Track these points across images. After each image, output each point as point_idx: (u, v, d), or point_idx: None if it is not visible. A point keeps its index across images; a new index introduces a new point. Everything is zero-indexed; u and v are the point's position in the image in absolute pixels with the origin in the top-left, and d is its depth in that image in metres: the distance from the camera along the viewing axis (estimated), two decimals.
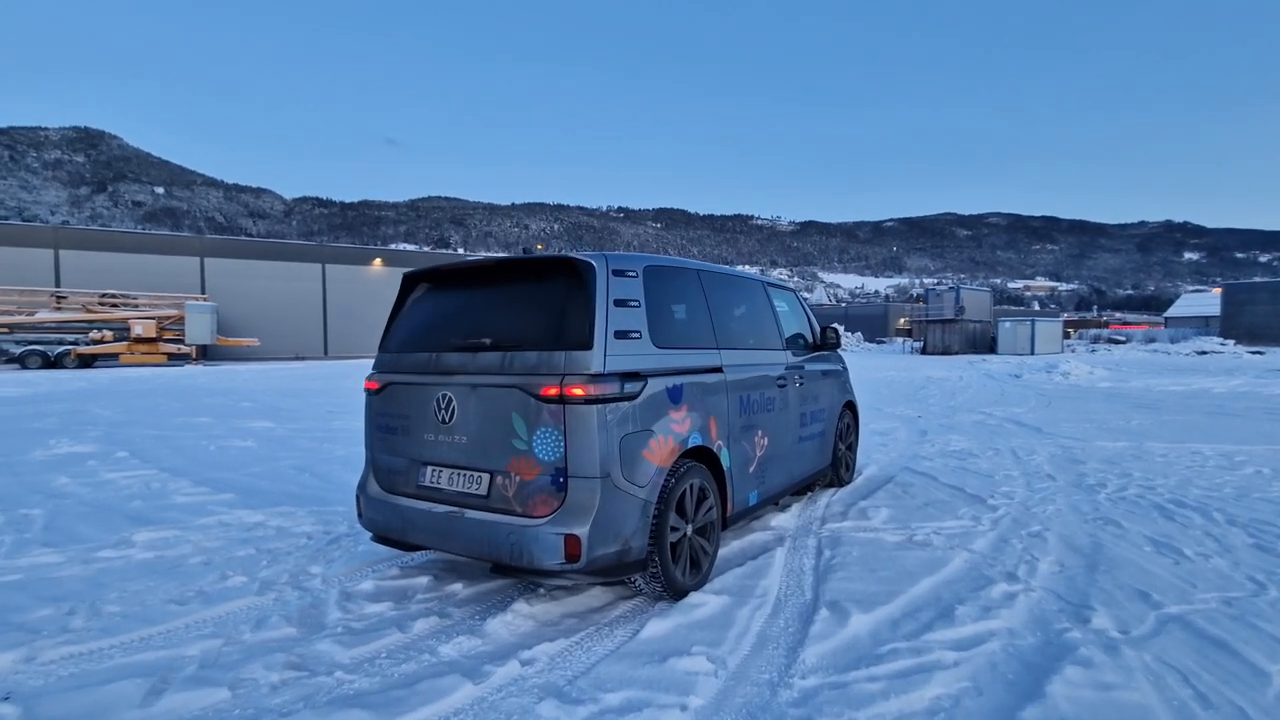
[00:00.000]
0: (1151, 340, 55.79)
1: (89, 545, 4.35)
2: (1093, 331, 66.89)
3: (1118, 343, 55.72)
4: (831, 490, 5.71)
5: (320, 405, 13.19)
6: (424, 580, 3.70)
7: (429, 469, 3.40)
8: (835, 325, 5.48)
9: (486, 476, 3.17)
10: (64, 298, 30.36)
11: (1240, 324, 57.15)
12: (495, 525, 3.04)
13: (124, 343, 28.97)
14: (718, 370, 3.83)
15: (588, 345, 3.00)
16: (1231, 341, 49.34)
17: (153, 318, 29.89)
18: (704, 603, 3.30)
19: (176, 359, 30.64)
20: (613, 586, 3.56)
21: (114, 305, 30.69)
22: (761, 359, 4.43)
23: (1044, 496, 5.46)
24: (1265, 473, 6.38)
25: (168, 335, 30.58)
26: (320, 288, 38.74)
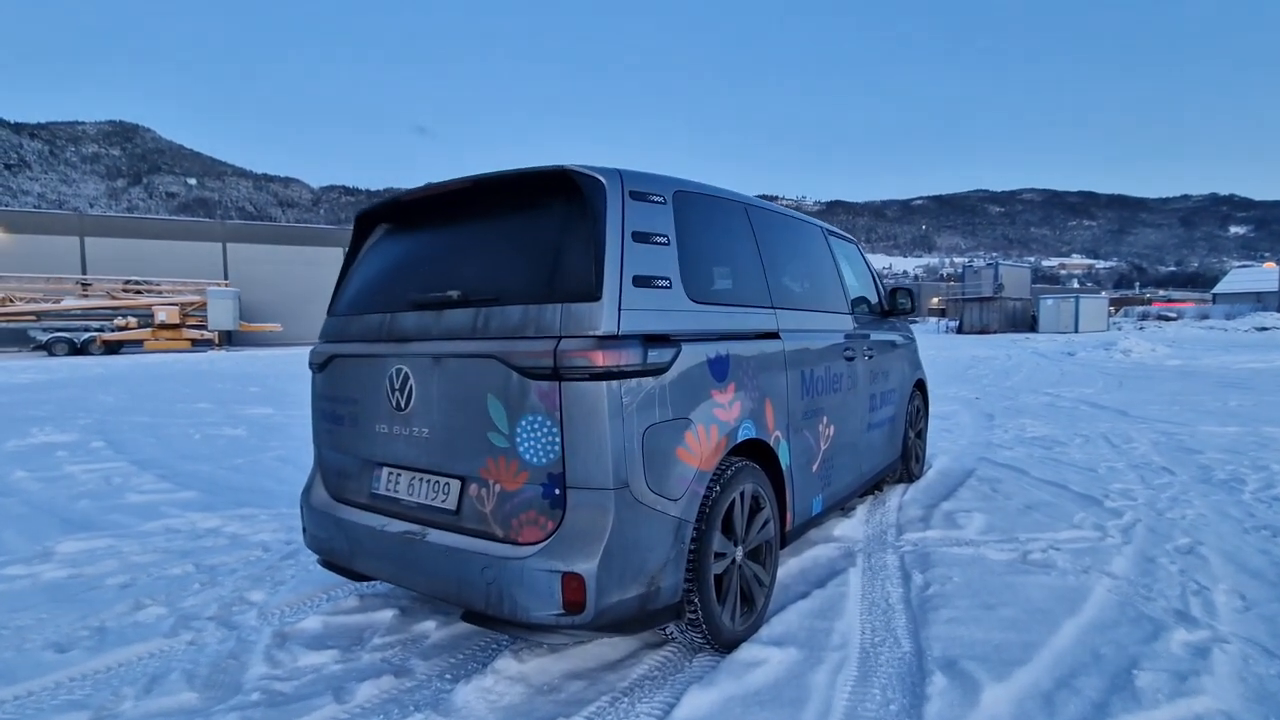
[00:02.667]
0: (1205, 317, 52.91)
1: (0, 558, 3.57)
2: (1139, 309, 63.92)
3: (1168, 319, 52.96)
4: (901, 488, 4.71)
5: None
6: (387, 616, 2.82)
7: (384, 471, 2.50)
8: (907, 286, 4.44)
9: (456, 484, 2.26)
10: (89, 285, 30.34)
11: None
12: (466, 555, 2.13)
13: (148, 329, 28.89)
14: (773, 336, 2.86)
15: (593, 295, 2.05)
16: None
17: (176, 304, 29.73)
18: (762, 659, 2.35)
19: (200, 344, 30.49)
20: None
21: (138, 292, 30.61)
22: (825, 324, 3.43)
23: (1173, 496, 4.39)
24: None
25: (191, 321, 30.44)
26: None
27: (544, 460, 2.04)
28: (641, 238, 2.24)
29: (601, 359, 1.98)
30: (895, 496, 4.50)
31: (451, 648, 2.56)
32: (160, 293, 30.91)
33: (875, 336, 4.12)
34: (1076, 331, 40.73)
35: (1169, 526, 3.78)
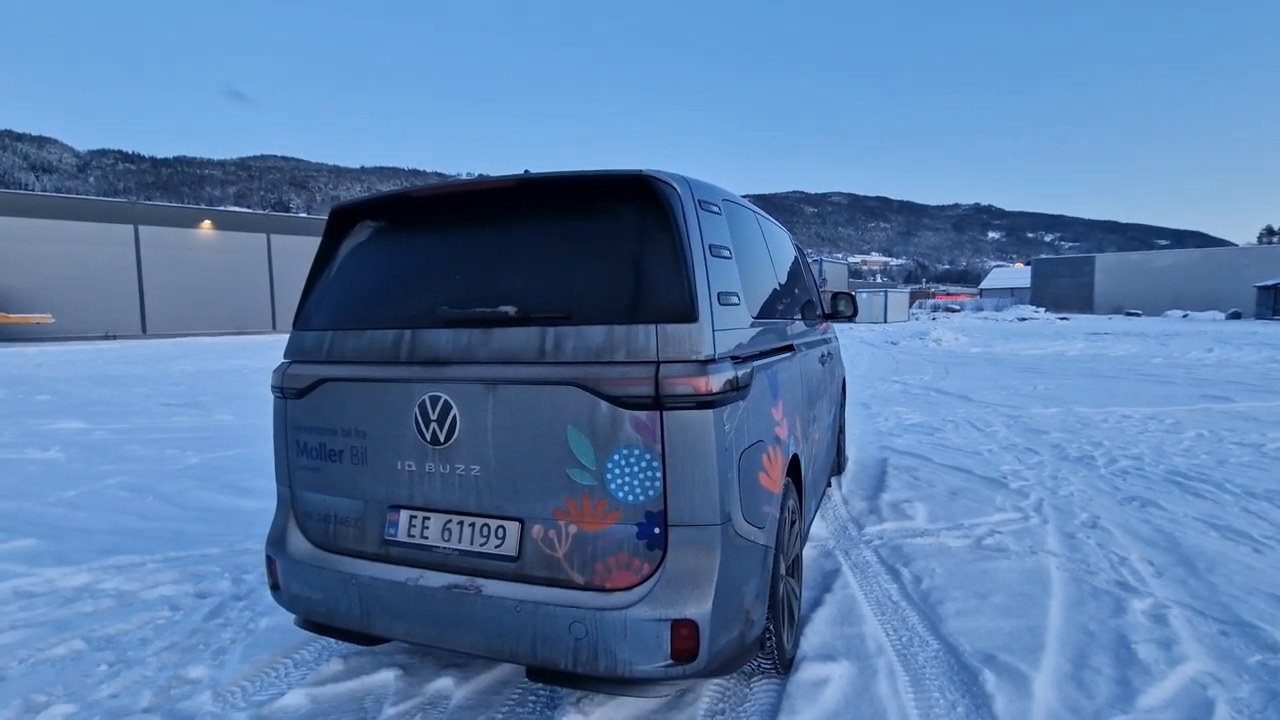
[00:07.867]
0: (980, 309, 62.45)
1: None
2: (931, 301, 73.91)
3: (953, 311, 61.82)
4: (834, 480, 4.98)
5: (149, 395, 10.64)
6: (388, 678, 2.43)
7: (404, 515, 2.13)
8: (848, 292, 4.69)
9: (515, 527, 1.98)
10: None
11: (1047, 294, 65.52)
12: (545, 608, 1.88)
13: None
14: (790, 349, 2.86)
15: (690, 315, 1.89)
16: (1042, 309, 56.35)
17: None
18: (823, 676, 2.35)
19: None
20: None
21: None
22: (810, 332, 3.52)
23: (1052, 474, 5.09)
24: (1206, 435, 6.54)
25: None
26: (134, 253, 32.84)
27: (641, 497, 1.85)
28: (715, 251, 2.11)
29: (705, 385, 1.84)
30: (835, 490, 4.76)
31: (484, 707, 2.27)
32: None
33: (827, 339, 4.29)
34: (885, 321, 46.09)
35: (1067, 504, 4.37)
